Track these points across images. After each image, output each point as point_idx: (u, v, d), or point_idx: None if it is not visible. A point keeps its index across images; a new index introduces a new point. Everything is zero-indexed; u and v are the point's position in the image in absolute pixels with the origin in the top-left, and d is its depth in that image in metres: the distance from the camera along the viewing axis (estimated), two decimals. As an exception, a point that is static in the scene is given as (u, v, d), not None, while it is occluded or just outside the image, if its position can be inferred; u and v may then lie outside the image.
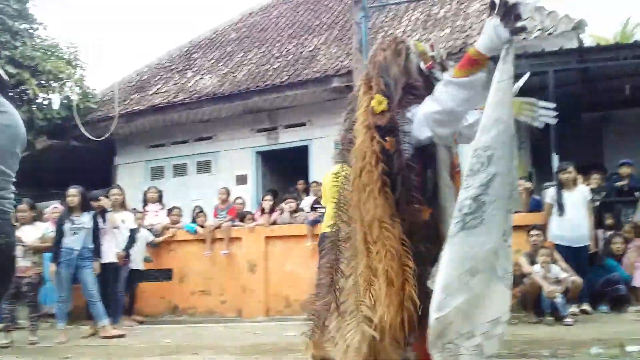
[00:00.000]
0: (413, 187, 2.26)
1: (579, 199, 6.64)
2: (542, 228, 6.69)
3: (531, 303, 6.26)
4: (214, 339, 6.58)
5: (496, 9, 1.99)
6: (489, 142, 2.04)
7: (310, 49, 12.23)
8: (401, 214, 2.26)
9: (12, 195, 2.14)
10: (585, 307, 6.43)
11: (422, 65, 2.47)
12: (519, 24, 1.98)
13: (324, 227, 4.89)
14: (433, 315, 2.07)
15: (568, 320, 5.93)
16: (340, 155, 2.64)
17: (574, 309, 6.29)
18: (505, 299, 2.12)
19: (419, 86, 2.46)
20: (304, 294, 8.03)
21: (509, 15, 1.97)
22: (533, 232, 6.57)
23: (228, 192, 9.46)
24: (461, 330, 2.04)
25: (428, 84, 2.44)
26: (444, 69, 2.46)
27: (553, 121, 2.24)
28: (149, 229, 8.76)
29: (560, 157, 7.56)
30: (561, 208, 6.63)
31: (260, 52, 13.01)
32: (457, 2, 11.56)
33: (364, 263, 2.29)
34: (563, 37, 8.95)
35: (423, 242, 2.27)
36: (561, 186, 6.75)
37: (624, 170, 7.55)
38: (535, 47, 8.77)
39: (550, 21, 9.33)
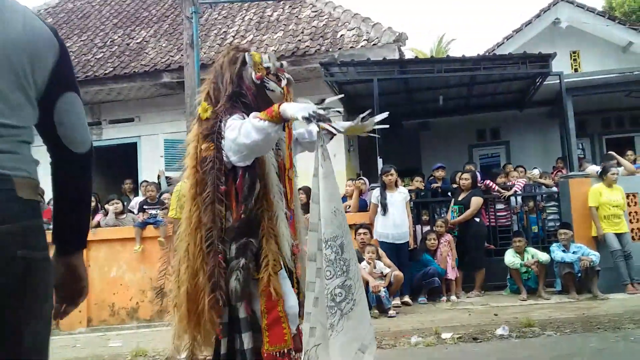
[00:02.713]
0: (218, 190, 2.38)
1: (399, 199, 7.15)
2: (369, 227, 7.07)
3: (359, 298, 6.57)
4: (25, 356, 5.85)
5: (320, 106, 2.21)
6: (336, 232, 2.21)
7: (138, 41, 11.60)
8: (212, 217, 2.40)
9: None
10: (406, 299, 6.93)
11: (253, 76, 2.49)
12: (320, 120, 2.17)
13: None
14: None
15: (391, 312, 6.34)
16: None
17: (396, 301, 6.74)
18: None
19: (247, 95, 2.51)
20: (131, 301, 7.67)
21: (321, 114, 2.17)
22: (361, 230, 6.91)
23: (42, 192, 8.52)
24: None
25: (261, 93, 2.52)
26: (278, 79, 2.53)
27: (384, 126, 2.44)
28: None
29: (384, 160, 8.07)
30: (384, 208, 7.06)
31: (81, 41, 12.02)
32: (290, 6, 11.80)
33: (176, 266, 2.47)
34: (386, 48, 9.58)
35: (247, 237, 2.37)
36: (384, 187, 7.20)
37: (439, 174, 8.33)
38: (361, 56, 9.28)
39: (374, 32, 9.93)
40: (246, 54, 2.52)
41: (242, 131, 2.24)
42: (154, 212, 7.71)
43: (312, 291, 2.21)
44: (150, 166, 10.31)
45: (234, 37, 10.96)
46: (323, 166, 2.23)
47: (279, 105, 2.19)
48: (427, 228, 7.72)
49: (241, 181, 2.39)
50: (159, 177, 9.64)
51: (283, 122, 2.22)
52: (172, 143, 9.96)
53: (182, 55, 9.54)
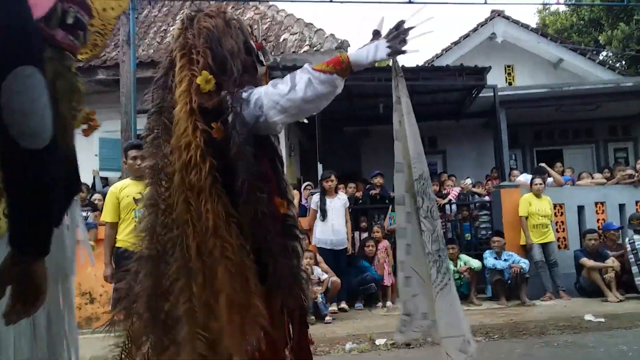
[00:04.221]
0: (257, 175, 1.90)
1: (339, 205, 7.17)
2: (307, 233, 7.05)
3: (295, 304, 6.53)
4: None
5: (387, 32, 1.94)
6: (426, 171, 2.06)
7: (73, 35, 11.15)
8: (243, 212, 1.89)
9: None
10: (343, 305, 6.95)
11: (253, 44, 2.13)
12: (402, 47, 1.94)
13: (121, 242, 4.32)
14: None
15: (328, 318, 6.33)
16: (147, 150, 2.09)
17: (333, 307, 6.75)
18: None
19: (250, 67, 2.10)
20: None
21: (397, 37, 1.94)
22: (299, 236, 6.88)
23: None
24: None
25: (252, 67, 2.12)
26: (264, 53, 2.18)
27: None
28: None
29: (324, 166, 8.08)
30: (324, 213, 7.07)
31: (12, 32, 11.43)
32: (233, 7, 11.65)
33: (199, 283, 1.81)
34: (328, 54, 9.60)
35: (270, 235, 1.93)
36: (324, 193, 7.21)
37: (378, 180, 8.42)
38: (303, 62, 9.23)
39: (317, 38, 9.96)
40: (239, 18, 2.15)
41: (298, 84, 1.86)
42: (84, 214, 7.40)
43: (403, 237, 2.00)
44: (83, 166, 9.82)
45: (174, 35, 10.73)
46: (404, 100, 1.99)
47: (346, 56, 1.89)
48: (365, 234, 7.78)
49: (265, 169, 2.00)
50: (94, 177, 9.27)
51: (351, 72, 1.91)
52: (107, 142, 9.59)
53: (117, 52, 9.25)
